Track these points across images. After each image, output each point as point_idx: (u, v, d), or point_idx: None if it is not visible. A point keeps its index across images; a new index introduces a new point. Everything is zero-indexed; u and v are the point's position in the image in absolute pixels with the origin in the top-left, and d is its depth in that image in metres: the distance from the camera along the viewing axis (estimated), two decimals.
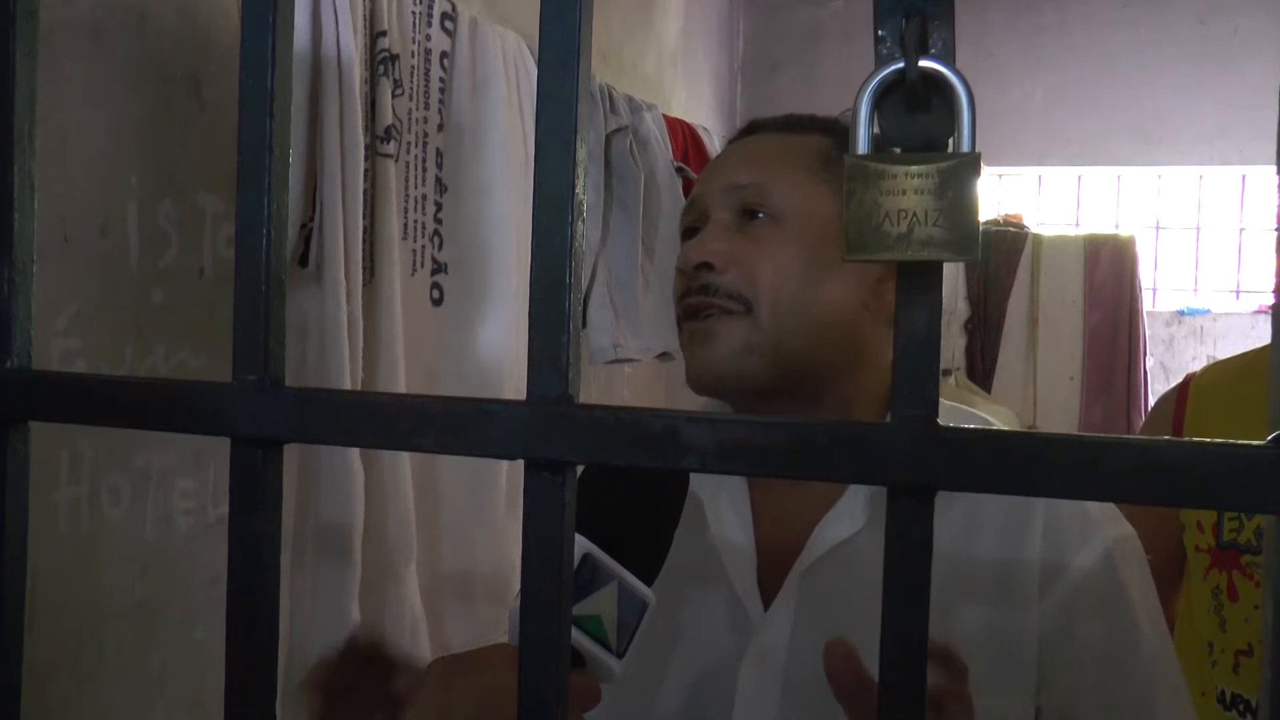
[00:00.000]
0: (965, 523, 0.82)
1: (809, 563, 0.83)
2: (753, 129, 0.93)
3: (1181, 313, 4.87)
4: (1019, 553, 0.81)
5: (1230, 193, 4.87)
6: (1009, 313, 4.59)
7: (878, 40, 0.36)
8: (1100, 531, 0.82)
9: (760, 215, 0.84)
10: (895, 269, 0.91)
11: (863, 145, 0.37)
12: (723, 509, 0.87)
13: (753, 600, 0.84)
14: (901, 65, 0.35)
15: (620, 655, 0.61)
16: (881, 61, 0.36)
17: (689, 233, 0.89)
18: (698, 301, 0.83)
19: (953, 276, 4.48)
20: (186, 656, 1.40)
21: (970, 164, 0.35)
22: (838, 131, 0.90)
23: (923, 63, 0.35)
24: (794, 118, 0.93)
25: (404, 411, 0.41)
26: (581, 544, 0.59)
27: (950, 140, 0.36)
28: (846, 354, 0.84)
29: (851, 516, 0.83)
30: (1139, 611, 0.82)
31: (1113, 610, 0.81)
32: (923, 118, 0.36)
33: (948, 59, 0.35)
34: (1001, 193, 5.05)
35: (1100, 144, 4.79)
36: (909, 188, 0.35)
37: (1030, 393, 4.60)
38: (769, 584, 0.84)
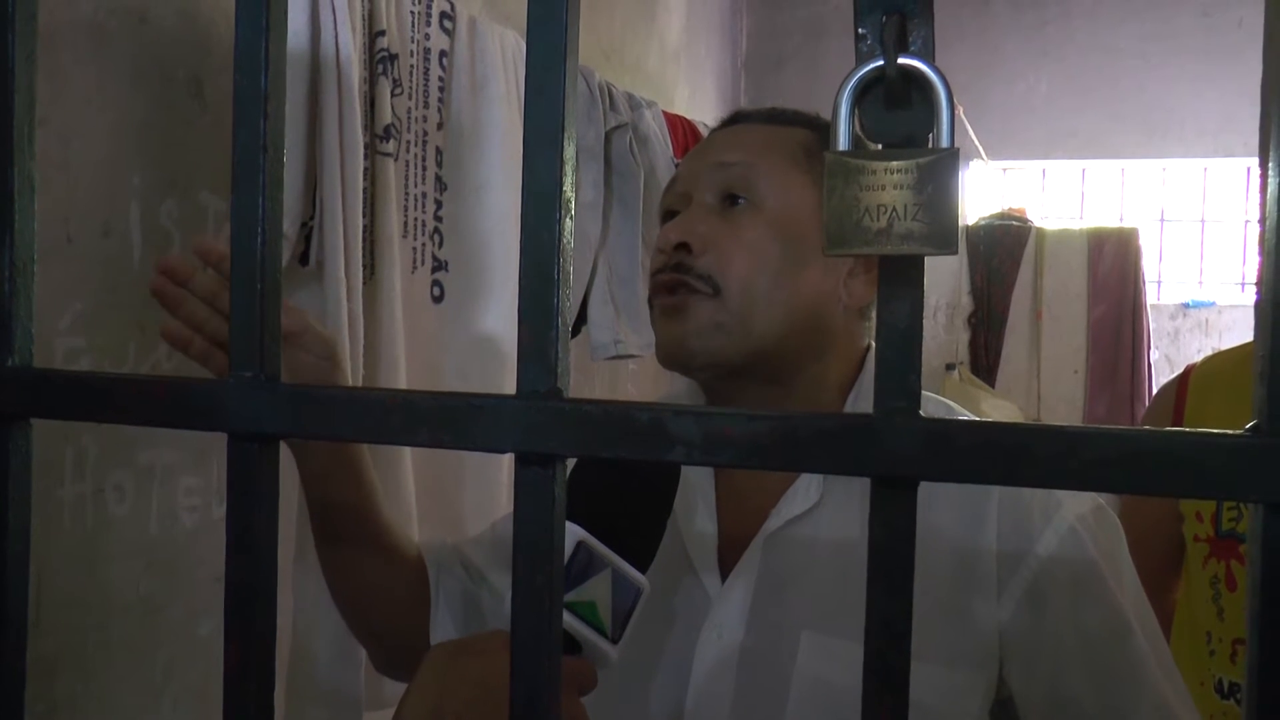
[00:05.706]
0: (923, 498, 0.83)
1: (764, 538, 0.85)
2: (738, 118, 0.94)
3: (1187, 305, 4.86)
4: (976, 532, 0.82)
5: (1235, 185, 4.86)
6: (1013, 307, 4.59)
7: (858, 38, 0.36)
8: (1062, 510, 0.82)
9: (742, 201, 0.86)
10: (867, 263, 0.92)
11: (843, 141, 0.38)
12: (689, 495, 0.88)
13: (712, 578, 0.86)
14: (881, 62, 0.36)
15: (615, 641, 0.62)
16: (862, 59, 0.36)
17: (668, 215, 0.91)
18: (670, 278, 0.85)
19: (955, 271, 4.48)
20: (191, 652, 1.41)
21: (949, 159, 0.36)
22: (820, 126, 0.91)
23: (902, 60, 0.36)
24: (778, 111, 0.94)
25: (396, 407, 0.42)
26: (576, 532, 0.60)
27: (930, 136, 0.37)
28: (815, 342, 0.86)
29: (806, 494, 0.85)
30: (1112, 585, 0.82)
31: (1087, 588, 0.81)
32: (902, 114, 0.37)
33: (927, 56, 0.36)
34: (1005, 186, 5.04)
35: (1104, 137, 4.79)
36: (888, 183, 0.36)
37: (1035, 386, 4.60)
38: (730, 564, 0.87)
